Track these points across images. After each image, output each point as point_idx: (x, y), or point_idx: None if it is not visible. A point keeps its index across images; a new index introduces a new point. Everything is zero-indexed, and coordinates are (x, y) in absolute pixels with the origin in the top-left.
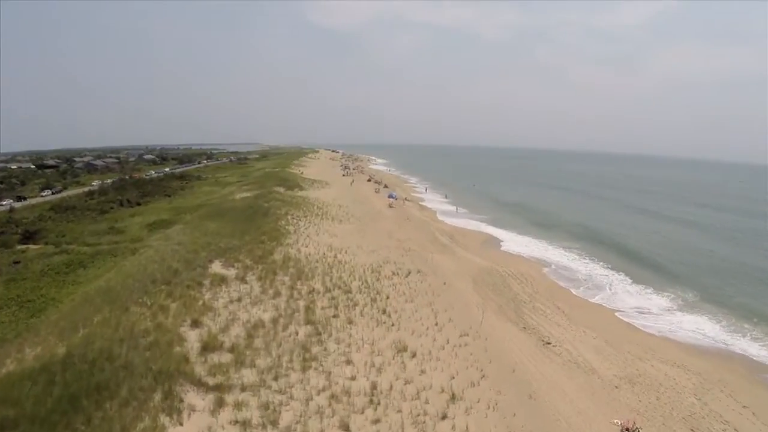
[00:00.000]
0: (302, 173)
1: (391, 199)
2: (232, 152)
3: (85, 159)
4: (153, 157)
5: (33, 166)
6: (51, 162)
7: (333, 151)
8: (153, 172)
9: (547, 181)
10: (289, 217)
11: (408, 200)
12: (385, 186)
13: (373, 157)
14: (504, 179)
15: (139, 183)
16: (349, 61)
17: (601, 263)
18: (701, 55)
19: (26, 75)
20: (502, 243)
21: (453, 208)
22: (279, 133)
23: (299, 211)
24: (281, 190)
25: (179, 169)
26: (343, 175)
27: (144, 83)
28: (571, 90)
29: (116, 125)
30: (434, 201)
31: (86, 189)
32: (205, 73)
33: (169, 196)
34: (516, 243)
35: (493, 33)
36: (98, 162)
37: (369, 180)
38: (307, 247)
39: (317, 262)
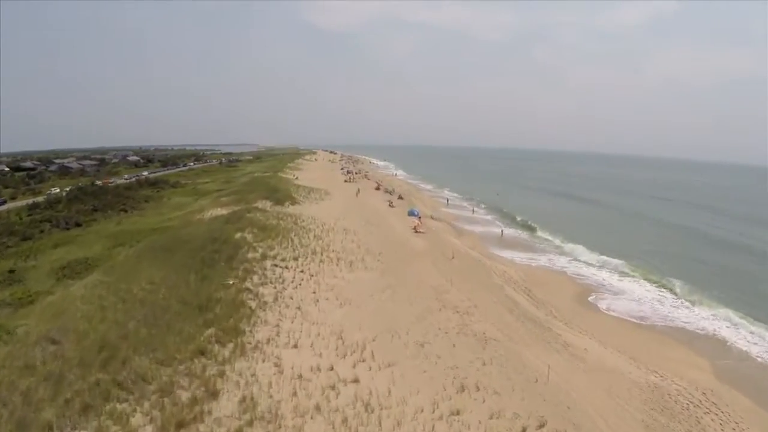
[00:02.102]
0: (296, 178)
1: (414, 218)
2: (225, 153)
3: (65, 161)
4: (138, 158)
5: (7, 168)
6: (28, 164)
7: (331, 152)
8: (127, 177)
9: (563, 190)
10: (268, 262)
11: (435, 218)
12: (400, 197)
13: (375, 159)
14: (521, 186)
15: (99, 192)
16: (346, 62)
17: None
18: (701, 57)
19: (27, 75)
20: (604, 298)
21: (496, 230)
22: (276, 134)
23: (286, 246)
24: (267, 205)
25: (159, 173)
26: (345, 181)
27: (143, 83)
28: (570, 91)
29: (116, 125)
30: (467, 219)
31: (34, 200)
32: (203, 74)
33: (126, 211)
34: (625, 297)
35: (492, 34)
36: (73, 164)
37: (378, 188)
38: (295, 346)
39: (317, 410)
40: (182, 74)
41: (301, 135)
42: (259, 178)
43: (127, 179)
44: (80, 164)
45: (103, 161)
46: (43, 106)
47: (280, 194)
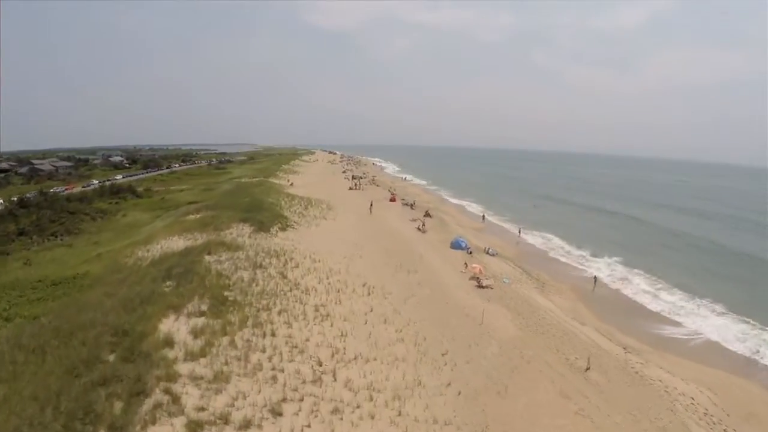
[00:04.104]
0: (291, 185)
1: (464, 253)
2: (219, 153)
3: (44, 161)
4: (122, 159)
5: None
6: (4, 165)
7: (330, 152)
8: (96, 182)
9: (593, 202)
10: None
11: (491, 254)
12: (428, 214)
13: (377, 160)
14: (545, 195)
15: (44, 204)
16: (345, 62)
17: None
18: (701, 57)
19: (29, 74)
20: None
21: (579, 272)
22: (274, 134)
23: (257, 367)
24: (245, 231)
25: (135, 177)
26: (351, 189)
27: (144, 83)
28: (570, 91)
29: (117, 125)
30: (525, 249)
31: None
32: (203, 75)
33: (56, 236)
34: None
35: (490, 35)
36: (46, 166)
37: (393, 200)
38: None
39: None
40: (182, 74)
41: (299, 135)
42: (244, 186)
43: (85, 187)
44: (53, 166)
45: (87, 161)
46: (48, 105)
47: (266, 213)
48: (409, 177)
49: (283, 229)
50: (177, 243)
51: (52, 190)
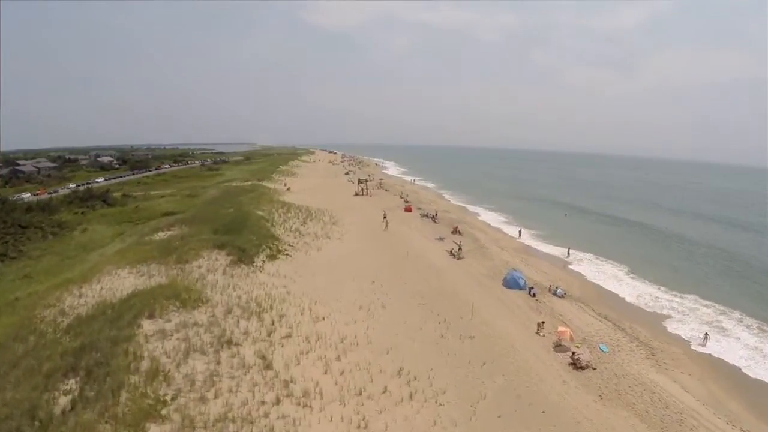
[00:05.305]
0: (287, 189)
1: (526, 295)
2: (216, 153)
3: (31, 161)
4: (111, 159)
5: None
6: None
7: (331, 152)
8: (72, 186)
9: (615, 209)
10: None
11: (558, 294)
12: (456, 230)
13: (380, 160)
14: (567, 197)
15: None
16: (344, 62)
17: None
18: (700, 57)
19: (34, 74)
20: None
21: (668, 316)
22: (274, 134)
23: None
24: (219, 264)
25: (117, 180)
26: (356, 194)
27: (147, 84)
28: (568, 92)
29: (120, 124)
30: (589, 285)
31: None
32: (205, 75)
33: None
34: None
35: (490, 35)
36: (27, 168)
37: (408, 209)
38: None
39: None
40: (182, 74)
41: (299, 134)
42: (233, 192)
43: (51, 193)
44: (35, 167)
45: (75, 161)
46: (48, 105)
47: (251, 234)
48: (416, 179)
49: (272, 257)
50: (123, 282)
51: (15, 197)
